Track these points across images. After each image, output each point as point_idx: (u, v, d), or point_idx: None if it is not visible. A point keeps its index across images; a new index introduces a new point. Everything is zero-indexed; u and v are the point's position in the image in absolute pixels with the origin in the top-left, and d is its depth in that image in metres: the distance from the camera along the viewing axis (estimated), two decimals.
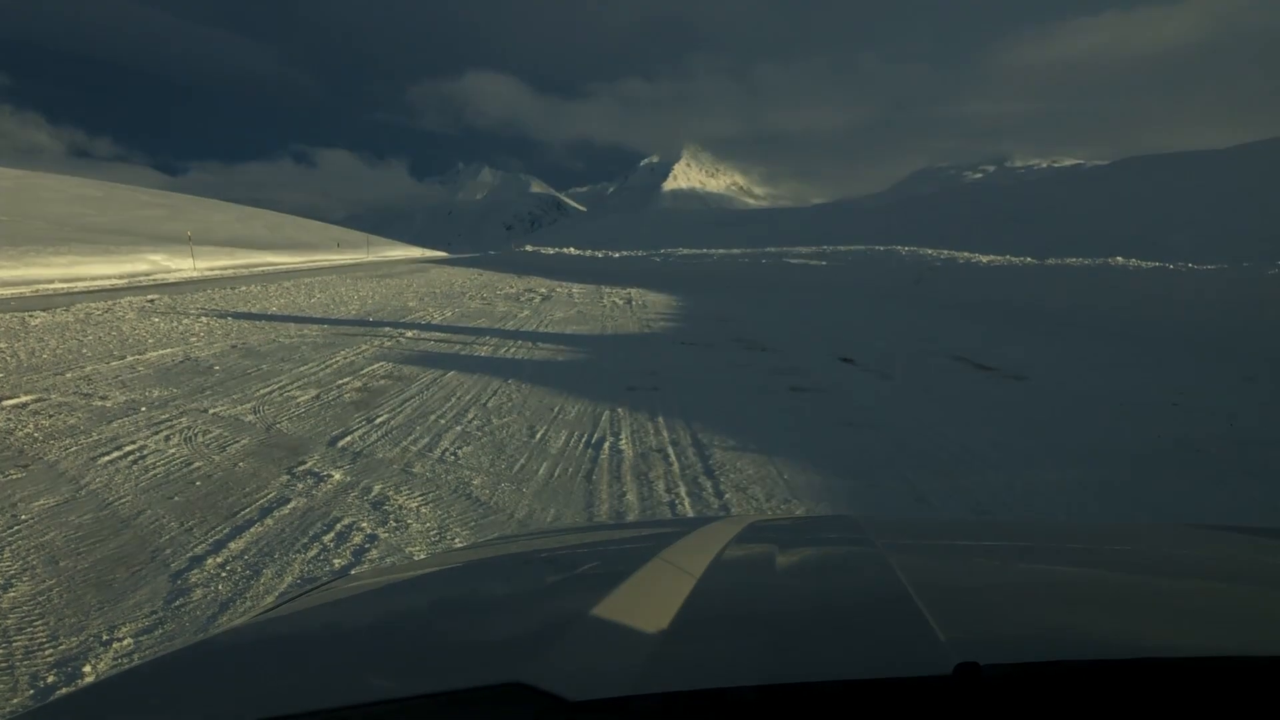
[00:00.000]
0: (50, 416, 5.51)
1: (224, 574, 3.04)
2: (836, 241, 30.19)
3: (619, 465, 4.48)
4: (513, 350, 8.91)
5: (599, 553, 1.34)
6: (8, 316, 11.68)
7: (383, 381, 6.92)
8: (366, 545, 3.31)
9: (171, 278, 24.39)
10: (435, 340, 9.77)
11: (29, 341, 9.13)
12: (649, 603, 0.82)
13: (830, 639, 0.75)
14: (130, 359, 7.93)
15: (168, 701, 0.77)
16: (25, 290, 17.93)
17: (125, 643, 2.52)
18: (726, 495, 3.96)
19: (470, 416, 5.61)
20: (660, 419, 5.55)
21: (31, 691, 2.24)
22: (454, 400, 6.16)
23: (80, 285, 19.73)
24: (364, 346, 9.02)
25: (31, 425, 5.27)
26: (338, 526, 3.51)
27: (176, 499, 3.90)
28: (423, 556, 3.19)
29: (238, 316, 12.23)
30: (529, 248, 40.47)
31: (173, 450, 4.74)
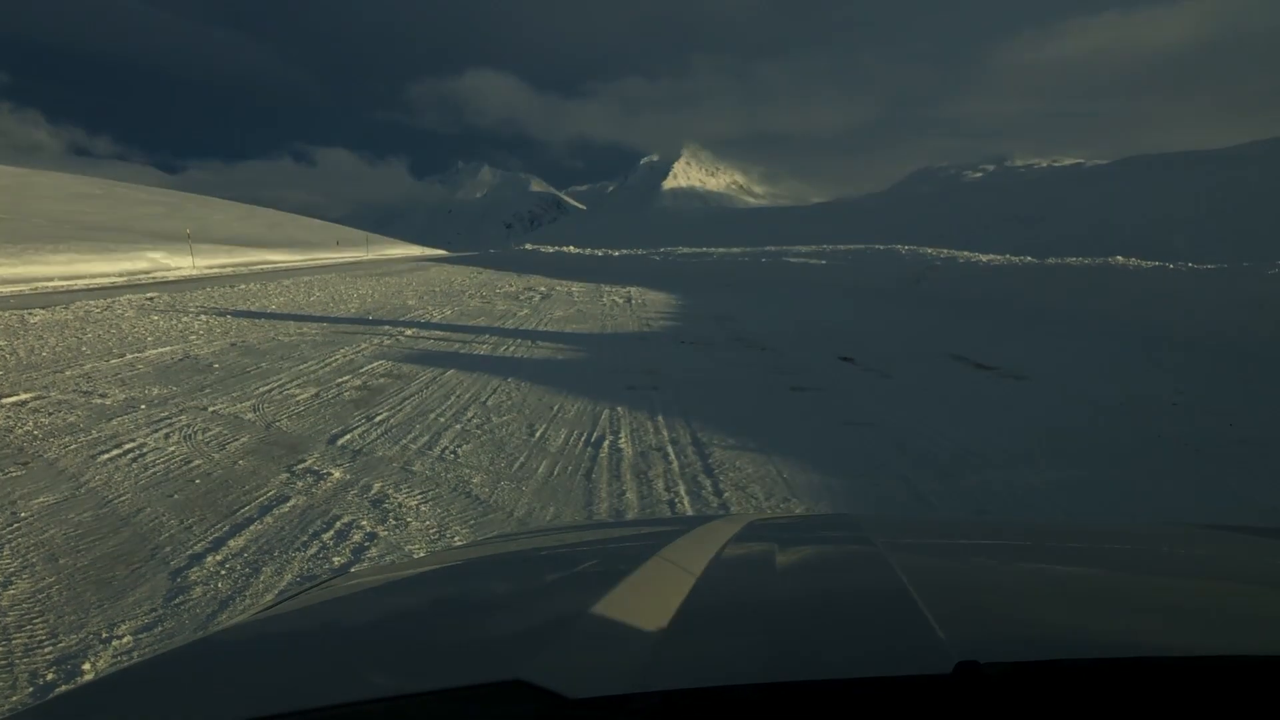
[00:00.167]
0: (50, 414, 5.52)
1: (223, 572, 3.04)
2: (836, 240, 30.19)
3: (618, 464, 4.48)
4: (512, 349, 8.91)
5: (599, 551, 1.34)
6: (7, 314, 11.68)
7: (382, 380, 6.92)
8: (366, 543, 3.31)
9: (171, 276, 24.40)
10: (435, 338, 9.77)
11: (28, 339, 9.13)
12: (649, 601, 0.82)
13: (830, 638, 0.75)
14: (129, 357, 7.93)
15: (167, 699, 0.77)
16: (24, 288, 17.93)
17: (124, 640, 2.52)
18: (726, 494, 3.96)
19: (470, 415, 5.61)
20: (659, 417, 5.55)
21: (31, 689, 2.24)
22: (453, 398, 6.16)
23: (80, 283, 19.73)
24: (363, 345, 9.02)
25: (31, 423, 5.27)
26: (337, 524, 3.52)
27: (176, 497, 3.90)
28: (422, 554, 3.19)
29: (237, 314, 12.23)
30: (529, 246, 40.48)
31: (172, 448, 4.74)
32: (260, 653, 0.92)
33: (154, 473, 4.28)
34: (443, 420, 5.45)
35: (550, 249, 35.46)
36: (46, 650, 2.46)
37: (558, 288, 19.07)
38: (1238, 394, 6.21)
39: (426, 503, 3.81)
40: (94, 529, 3.48)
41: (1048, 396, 6.26)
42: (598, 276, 23.95)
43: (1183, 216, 36.62)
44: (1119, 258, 13.48)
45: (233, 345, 8.89)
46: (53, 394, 6.16)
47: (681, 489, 4.03)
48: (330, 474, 4.26)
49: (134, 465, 4.40)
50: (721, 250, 28.75)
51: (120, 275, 23.26)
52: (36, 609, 2.74)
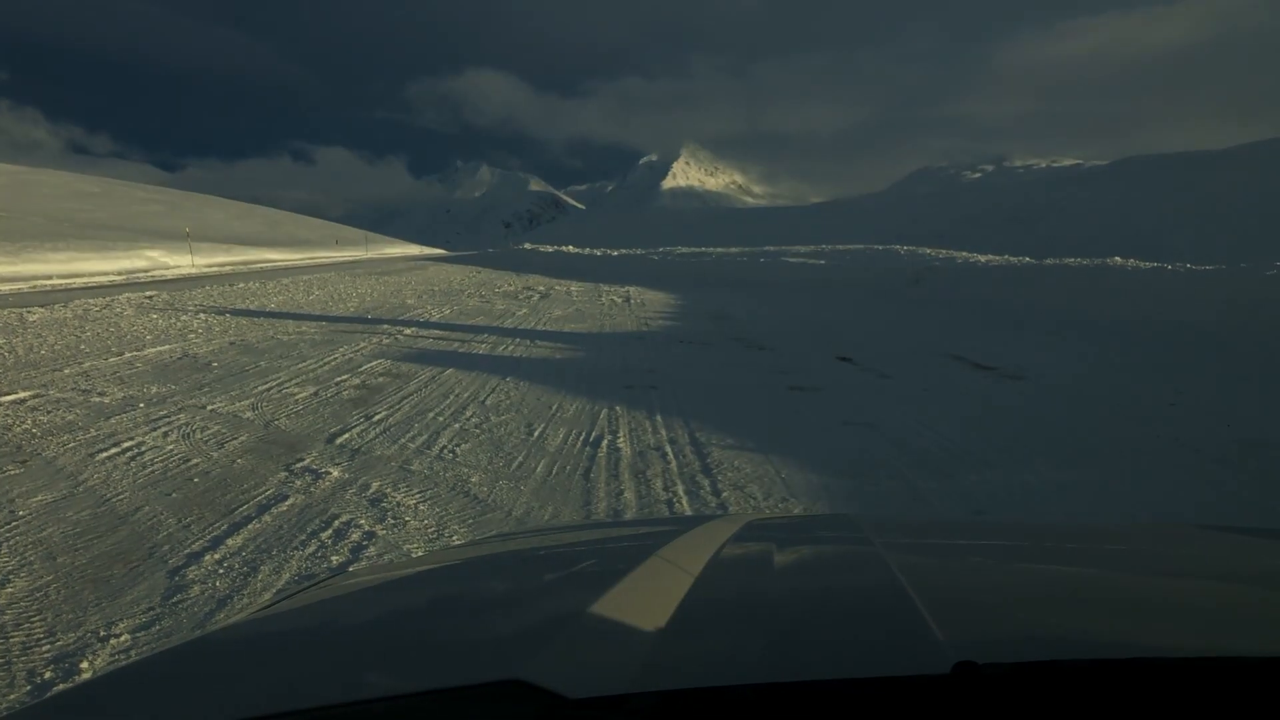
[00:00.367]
0: (48, 412, 5.51)
1: (221, 571, 3.04)
2: (835, 240, 30.20)
3: (617, 463, 4.48)
4: (511, 348, 8.90)
5: (597, 550, 1.35)
6: (5, 312, 11.67)
7: (381, 379, 6.92)
8: (364, 542, 3.31)
9: (170, 274, 24.38)
10: (434, 338, 9.77)
11: (27, 337, 9.12)
12: (647, 601, 0.82)
13: (828, 638, 0.75)
14: (128, 355, 7.93)
15: (165, 698, 0.77)
16: (23, 286, 17.91)
17: (122, 639, 2.52)
18: (724, 494, 3.96)
19: (468, 414, 5.61)
20: (658, 417, 5.55)
21: (29, 687, 2.24)
22: (452, 398, 6.16)
23: (78, 281, 19.71)
24: (362, 344, 9.01)
25: (30, 421, 5.27)
26: (335, 523, 3.51)
27: (174, 495, 3.90)
28: (421, 554, 3.19)
29: (236, 313, 12.22)
30: (527, 246, 40.47)
31: (171, 447, 4.74)
32: (258, 652, 0.92)
33: (152, 471, 4.28)
34: (441, 419, 5.45)
35: (549, 248, 35.46)
36: (44, 648, 2.45)
37: (556, 287, 19.06)
38: (1236, 395, 6.22)
39: (425, 502, 3.81)
40: (92, 527, 3.47)
41: (1046, 397, 6.27)
42: (596, 276, 23.94)
43: (1181, 217, 36.65)
44: (1117, 258, 13.50)
45: (231, 344, 8.89)
46: (51, 392, 6.16)
47: (680, 489, 4.03)
48: (328, 473, 4.25)
49: (132, 464, 4.40)
50: (720, 250, 28.76)
51: (119, 273, 23.24)
52: (34, 607, 2.74)
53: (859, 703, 0.58)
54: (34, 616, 2.67)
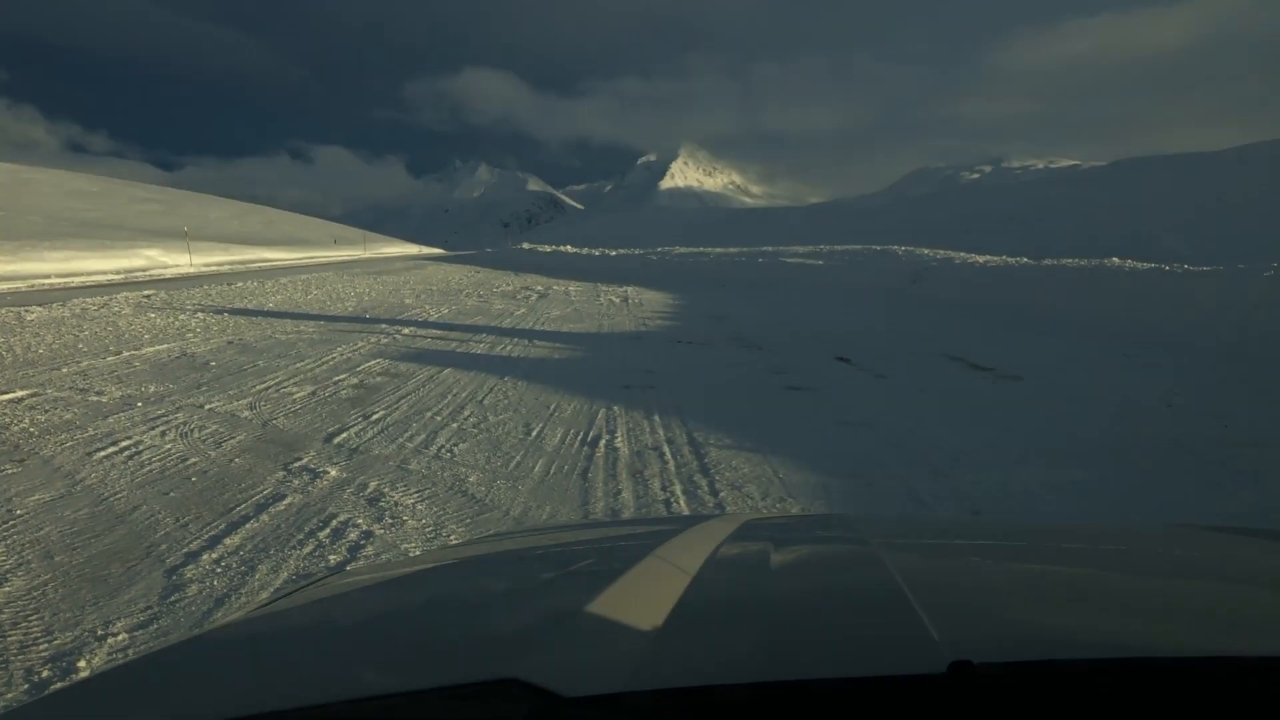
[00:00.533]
0: (46, 411, 5.51)
1: (219, 570, 3.04)
2: (833, 241, 30.18)
3: (614, 463, 4.48)
4: (509, 348, 8.90)
5: (594, 550, 1.35)
6: (3, 311, 11.65)
7: (379, 378, 6.92)
8: (362, 542, 3.31)
9: (168, 273, 24.34)
10: (432, 337, 9.77)
11: (25, 336, 9.11)
12: (644, 600, 0.82)
13: (824, 637, 0.75)
14: (126, 354, 7.92)
15: (162, 696, 0.78)
16: (21, 285, 17.88)
17: (120, 638, 2.51)
18: (722, 494, 3.96)
19: (466, 413, 5.61)
20: (656, 417, 5.55)
21: (26, 686, 2.24)
22: (450, 397, 6.16)
23: (76, 280, 19.68)
24: (360, 343, 9.01)
25: (27, 420, 5.26)
26: (333, 523, 3.51)
27: (172, 494, 3.89)
28: (418, 553, 3.19)
29: (234, 312, 12.21)
30: (526, 245, 40.43)
31: (168, 446, 4.74)
32: (255, 650, 0.92)
33: (150, 470, 4.27)
34: (439, 419, 5.44)
35: (547, 248, 35.44)
36: (41, 647, 2.45)
37: (555, 287, 19.06)
38: (1233, 396, 6.23)
39: (423, 501, 3.81)
40: (89, 526, 3.47)
41: (1044, 398, 6.27)
42: (594, 276, 23.94)
43: (1179, 218, 36.64)
44: (1114, 259, 13.50)
45: (229, 343, 8.88)
46: (49, 391, 6.15)
47: (678, 488, 4.04)
48: (326, 472, 4.25)
49: (130, 463, 4.40)
50: (718, 250, 28.74)
51: (117, 272, 23.21)
52: (32, 606, 2.73)
53: (855, 701, 0.59)
54: (31, 615, 2.67)
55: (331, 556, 3.17)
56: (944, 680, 0.58)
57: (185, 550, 3.22)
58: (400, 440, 4.90)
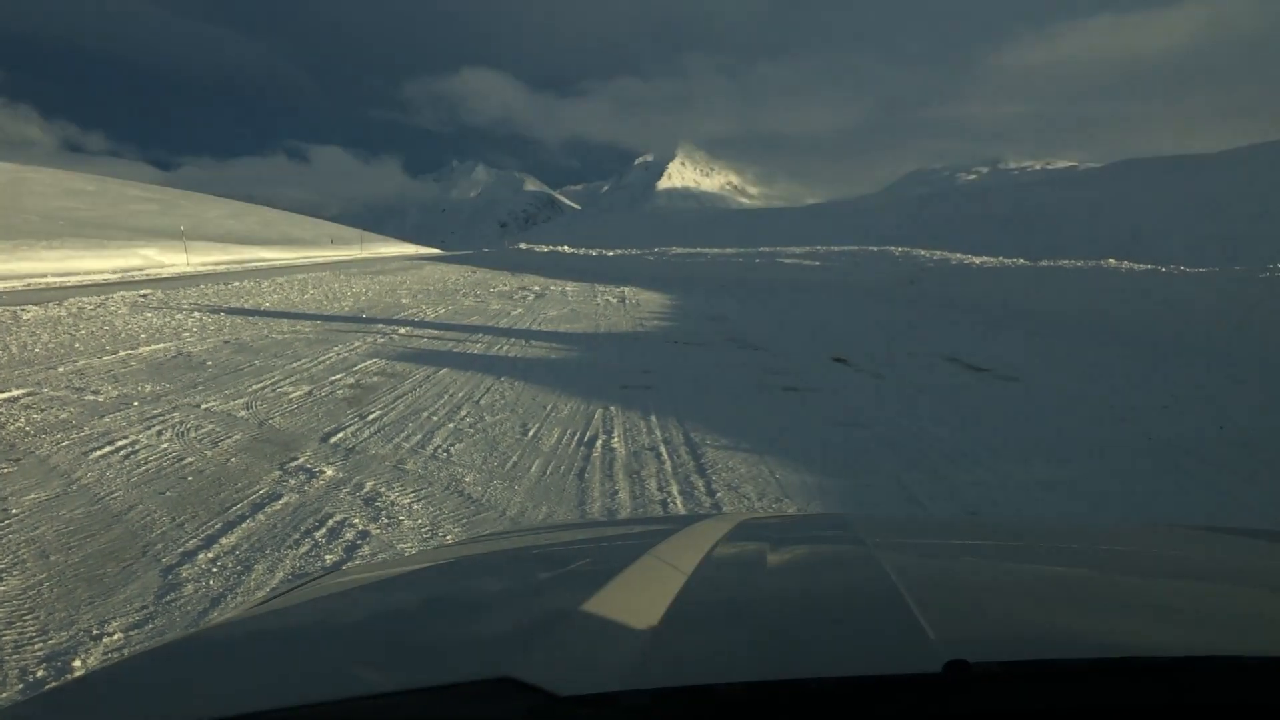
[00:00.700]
0: (42, 411, 5.49)
1: (215, 569, 3.03)
2: (830, 242, 30.20)
3: (611, 463, 4.48)
4: (506, 348, 8.90)
5: (590, 549, 1.35)
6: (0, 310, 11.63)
7: (375, 378, 6.91)
8: (358, 542, 3.31)
9: (164, 273, 24.31)
10: (428, 337, 9.76)
11: (21, 336, 9.09)
12: (639, 599, 0.82)
13: (820, 636, 0.75)
14: (123, 354, 7.90)
15: (157, 695, 0.77)
16: (17, 284, 17.85)
17: (115, 638, 2.51)
18: (719, 494, 3.97)
19: (463, 413, 5.60)
20: (653, 417, 5.55)
21: (21, 686, 2.23)
22: (447, 397, 6.15)
23: (73, 280, 19.65)
24: (357, 343, 9.00)
25: (23, 419, 5.25)
26: (329, 523, 3.51)
27: (168, 494, 3.89)
28: (414, 552, 3.19)
29: (231, 312, 12.20)
30: (523, 245, 40.45)
31: (165, 445, 4.73)
32: (251, 649, 0.92)
33: (146, 470, 4.26)
34: (436, 419, 5.44)
35: (544, 248, 35.44)
36: (36, 647, 2.45)
37: (552, 287, 19.05)
38: (1229, 397, 6.24)
39: (419, 501, 3.81)
40: (85, 526, 3.46)
41: (1041, 399, 6.28)
42: (592, 276, 23.94)
43: (1175, 220, 36.70)
44: (1111, 260, 13.53)
45: (226, 343, 8.87)
46: (45, 390, 6.14)
47: (674, 489, 4.03)
48: (323, 472, 4.25)
49: (126, 462, 4.39)
50: (716, 251, 28.76)
51: (114, 272, 23.18)
52: (27, 605, 2.73)
53: (851, 701, 0.59)
54: (26, 615, 2.66)
55: (328, 556, 3.17)
56: (940, 680, 0.58)
57: (181, 550, 3.22)
58: (397, 440, 4.90)
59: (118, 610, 2.70)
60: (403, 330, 10.30)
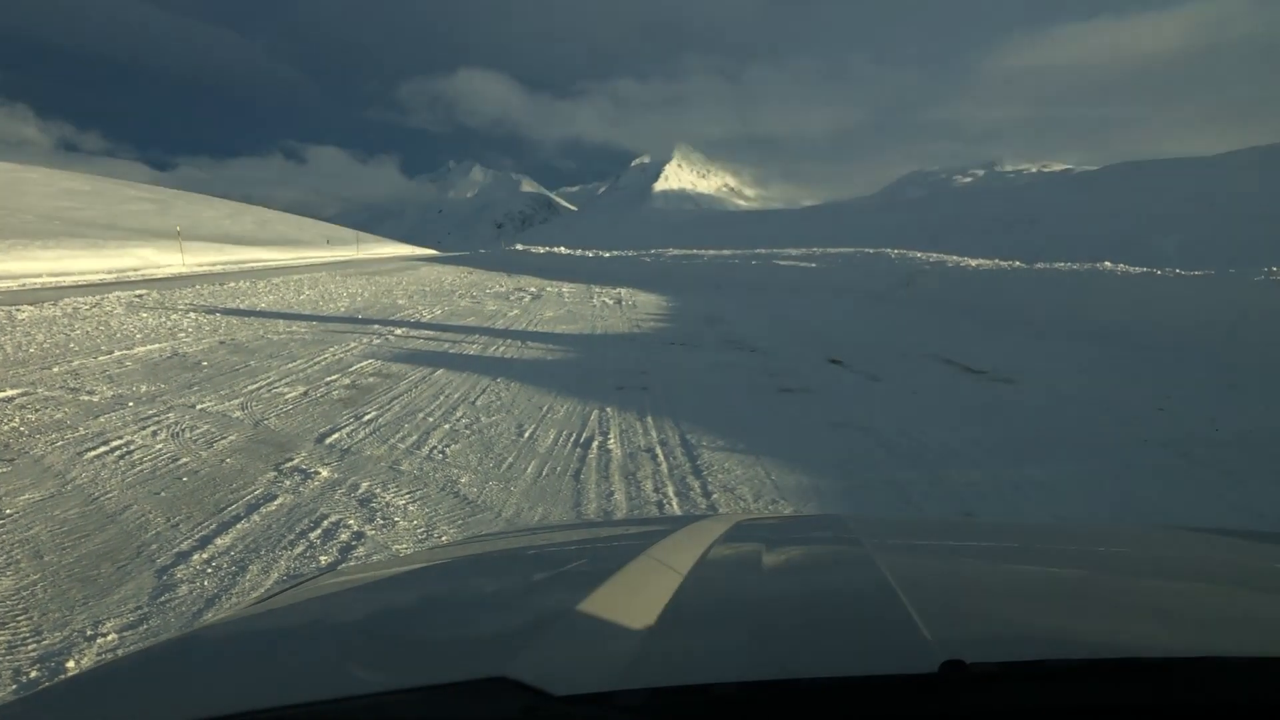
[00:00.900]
0: (37, 410, 5.48)
1: (209, 570, 3.03)
2: (827, 243, 30.23)
3: (607, 464, 4.48)
4: (502, 349, 8.89)
5: (586, 550, 1.35)
6: None
7: (371, 379, 6.90)
8: (353, 542, 3.30)
9: (160, 273, 24.27)
10: (424, 338, 9.75)
11: (16, 336, 9.07)
12: (635, 599, 0.82)
13: (816, 636, 0.75)
14: (118, 354, 7.89)
15: (152, 695, 0.77)
16: (12, 284, 17.81)
17: (109, 638, 2.50)
18: (714, 495, 3.96)
19: (458, 414, 5.60)
20: (649, 419, 5.55)
21: (14, 686, 2.23)
22: (442, 398, 6.15)
23: (68, 280, 19.61)
24: (352, 344, 8.99)
25: (18, 419, 5.24)
26: (324, 523, 3.50)
27: (163, 494, 3.88)
28: (409, 553, 3.18)
29: (226, 312, 12.18)
30: (519, 247, 40.44)
31: (160, 445, 4.72)
32: (246, 648, 0.91)
33: (141, 470, 4.25)
34: (431, 420, 5.43)
35: (541, 250, 35.43)
36: (30, 647, 2.44)
37: (548, 288, 19.05)
38: (1224, 399, 6.25)
39: (414, 502, 3.81)
40: (80, 526, 3.45)
41: (1037, 400, 6.29)
42: (588, 278, 23.93)
43: (1171, 223, 36.83)
44: (1107, 263, 13.55)
45: (221, 343, 8.85)
46: (40, 390, 6.12)
47: (670, 490, 4.03)
48: (318, 473, 4.24)
49: (121, 462, 4.38)
50: (712, 252, 28.77)
51: (109, 272, 23.13)
52: (20, 605, 2.72)
53: (847, 701, 0.59)
54: (20, 615, 2.65)
55: (323, 557, 3.17)
56: (936, 680, 0.58)
57: (176, 550, 3.21)
58: (392, 441, 4.89)
59: (112, 610, 2.69)
60: (399, 331, 10.29)
